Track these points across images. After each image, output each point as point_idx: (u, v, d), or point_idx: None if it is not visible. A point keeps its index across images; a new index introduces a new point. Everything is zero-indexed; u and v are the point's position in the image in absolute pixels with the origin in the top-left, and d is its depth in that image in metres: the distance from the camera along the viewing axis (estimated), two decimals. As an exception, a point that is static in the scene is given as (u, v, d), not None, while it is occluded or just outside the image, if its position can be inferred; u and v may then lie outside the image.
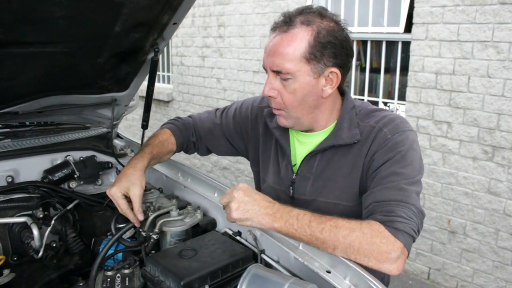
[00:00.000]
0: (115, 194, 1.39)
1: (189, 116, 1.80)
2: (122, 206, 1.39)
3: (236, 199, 1.23)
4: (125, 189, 1.40)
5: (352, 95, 4.33)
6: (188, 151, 1.79)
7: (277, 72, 1.32)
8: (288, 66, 1.28)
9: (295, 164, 1.49)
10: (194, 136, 1.74)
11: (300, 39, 1.27)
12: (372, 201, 1.25)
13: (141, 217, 1.41)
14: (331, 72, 1.32)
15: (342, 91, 1.46)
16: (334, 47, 1.29)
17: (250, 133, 1.66)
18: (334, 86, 1.35)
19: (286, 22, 1.30)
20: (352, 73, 4.36)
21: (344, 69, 1.35)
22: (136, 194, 1.40)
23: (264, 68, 1.37)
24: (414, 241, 1.19)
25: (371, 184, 1.30)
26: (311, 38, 1.27)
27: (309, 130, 1.46)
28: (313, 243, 1.18)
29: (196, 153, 1.82)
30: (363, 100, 4.25)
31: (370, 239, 1.13)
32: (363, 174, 1.34)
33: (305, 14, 1.31)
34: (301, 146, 1.49)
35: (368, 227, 1.16)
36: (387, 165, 1.29)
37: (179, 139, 1.69)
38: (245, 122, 1.67)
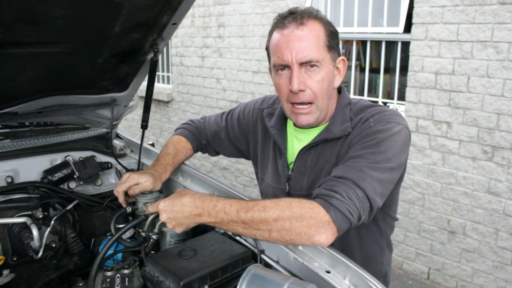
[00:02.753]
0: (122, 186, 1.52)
1: (201, 118, 1.89)
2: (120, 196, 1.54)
3: (163, 209, 1.29)
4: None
5: (352, 95, 4.34)
6: (202, 152, 1.89)
7: (304, 64, 1.33)
8: (316, 54, 1.32)
9: (292, 162, 1.52)
10: (205, 139, 1.83)
11: (319, 29, 1.34)
12: (331, 175, 1.26)
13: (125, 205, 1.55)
14: (340, 60, 1.40)
15: (339, 88, 1.49)
16: (337, 37, 1.39)
17: (251, 133, 1.70)
18: (342, 74, 1.42)
19: (296, 18, 1.34)
20: (351, 73, 4.36)
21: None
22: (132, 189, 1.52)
23: (282, 66, 1.36)
24: (351, 223, 1.18)
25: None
26: (325, 29, 1.35)
27: (309, 127, 1.48)
28: (249, 232, 1.20)
29: (200, 154, 1.91)
30: (362, 100, 4.25)
31: (300, 217, 1.15)
32: None
33: (308, 11, 1.36)
34: (299, 143, 1.51)
35: (298, 205, 1.17)
36: (359, 147, 1.30)
37: (193, 143, 1.80)
38: (247, 123, 1.71)
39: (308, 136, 1.48)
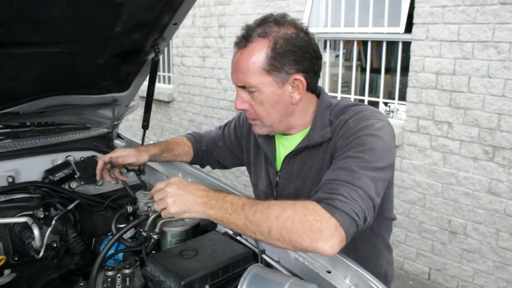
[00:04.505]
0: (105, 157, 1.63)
1: (205, 132, 1.91)
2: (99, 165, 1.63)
3: (171, 193, 1.23)
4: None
5: (353, 96, 4.34)
6: (202, 163, 1.88)
7: (243, 87, 1.35)
8: (250, 80, 1.31)
9: (280, 169, 1.53)
10: (205, 146, 1.83)
11: (258, 52, 1.29)
12: (322, 180, 1.23)
13: (98, 177, 1.63)
14: (295, 79, 1.33)
15: (318, 91, 1.47)
16: (294, 54, 1.30)
17: (245, 140, 1.71)
18: (301, 91, 1.36)
19: (245, 37, 1.32)
20: (352, 73, 4.36)
21: (310, 72, 1.35)
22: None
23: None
24: (357, 226, 1.12)
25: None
26: (269, 50, 1.29)
27: (288, 134, 1.48)
28: (248, 227, 1.14)
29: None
30: (363, 100, 4.25)
31: (303, 217, 1.08)
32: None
33: (263, 25, 1.32)
34: (284, 150, 1.52)
35: (301, 205, 1.12)
36: (345, 149, 1.27)
37: (194, 145, 1.82)
38: (242, 130, 1.73)
39: (291, 142, 1.48)
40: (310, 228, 1.07)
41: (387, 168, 1.25)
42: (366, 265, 1.44)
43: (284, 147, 1.52)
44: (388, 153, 1.27)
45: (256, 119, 1.41)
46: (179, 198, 1.22)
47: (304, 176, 1.44)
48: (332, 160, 1.32)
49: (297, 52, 1.31)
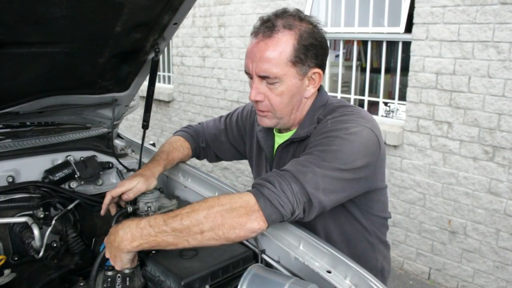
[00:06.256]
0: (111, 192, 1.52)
1: (199, 123, 1.88)
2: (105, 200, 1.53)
3: (109, 256, 1.23)
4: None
5: (353, 96, 4.34)
6: (199, 157, 1.87)
7: (264, 77, 1.33)
8: (275, 70, 1.31)
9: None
10: (204, 142, 1.82)
11: (285, 43, 1.30)
12: None
13: (102, 212, 1.54)
14: (314, 72, 1.36)
15: (319, 87, 1.49)
16: (315, 48, 1.33)
17: (248, 134, 1.72)
18: (316, 85, 1.39)
19: (269, 27, 1.32)
20: (352, 73, 4.36)
21: (323, 68, 1.39)
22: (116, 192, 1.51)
23: (247, 73, 1.39)
24: (282, 216, 1.14)
25: None
26: (295, 42, 1.30)
27: (286, 130, 1.50)
28: (180, 238, 1.13)
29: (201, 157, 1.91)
30: (363, 100, 4.25)
31: (230, 207, 1.12)
32: None
33: (285, 17, 1.33)
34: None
35: (227, 197, 1.15)
36: (311, 146, 1.29)
37: (192, 144, 1.79)
38: (245, 124, 1.73)
39: (284, 139, 1.50)
40: (238, 214, 1.11)
41: (351, 171, 1.23)
42: (361, 259, 1.45)
43: (277, 144, 1.54)
44: (355, 157, 1.24)
45: (268, 111, 1.40)
46: (113, 259, 1.22)
47: None
48: None
49: (317, 46, 1.34)
